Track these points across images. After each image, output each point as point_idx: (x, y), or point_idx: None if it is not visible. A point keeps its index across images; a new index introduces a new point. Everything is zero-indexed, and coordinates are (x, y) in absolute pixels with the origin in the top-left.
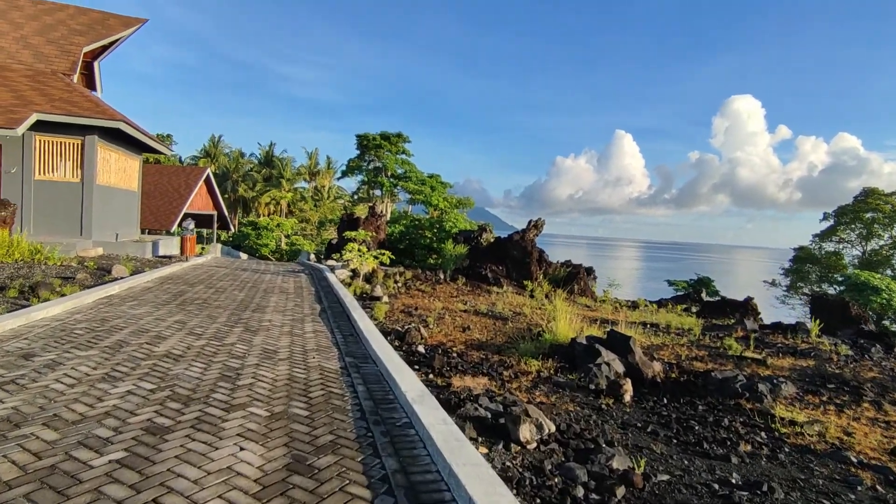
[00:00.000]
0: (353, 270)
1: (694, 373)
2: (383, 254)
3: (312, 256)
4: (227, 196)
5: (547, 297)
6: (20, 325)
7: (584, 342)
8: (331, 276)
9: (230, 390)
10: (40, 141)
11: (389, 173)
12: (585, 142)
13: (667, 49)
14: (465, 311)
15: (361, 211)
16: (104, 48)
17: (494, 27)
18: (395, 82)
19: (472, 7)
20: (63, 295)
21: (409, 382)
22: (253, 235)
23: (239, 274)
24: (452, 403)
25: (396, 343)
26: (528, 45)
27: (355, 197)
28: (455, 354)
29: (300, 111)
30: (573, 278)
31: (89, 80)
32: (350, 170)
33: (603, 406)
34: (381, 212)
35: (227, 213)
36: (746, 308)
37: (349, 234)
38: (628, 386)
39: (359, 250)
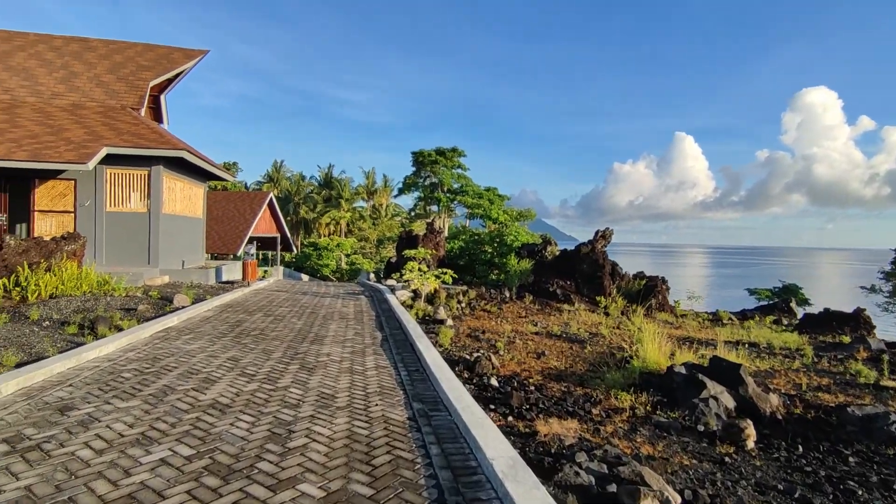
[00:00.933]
0: (415, 291)
1: (823, 408)
2: (445, 273)
3: (372, 276)
4: (289, 218)
5: (623, 313)
6: (69, 369)
7: (684, 371)
8: (391, 298)
9: (279, 456)
10: (110, 174)
11: (446, 188)
12: (644, 147)
13: (725, 46)
14: (536, 333)
15: (419, 228)
16: (169, 81)
17: (544, 37)
18: (447, 99)
19: (520, 19)
20: (121, 329)
21: (493, 443)
22: (314, 256)
23: (299, 299)
24: (546, 465)
25: (466, 374)
26: (579, 51)
27: (412, 214)
28: (532, 387)
29: (356, 133)
30: (650, 292)
31: (156, 113)
32: (406, 187)
33: (724, 457)
34: (440, 228)
35: (289, 235)
36: (858, 321)
37: (408, 252)
38: (750, 430)
39: (419, 270)
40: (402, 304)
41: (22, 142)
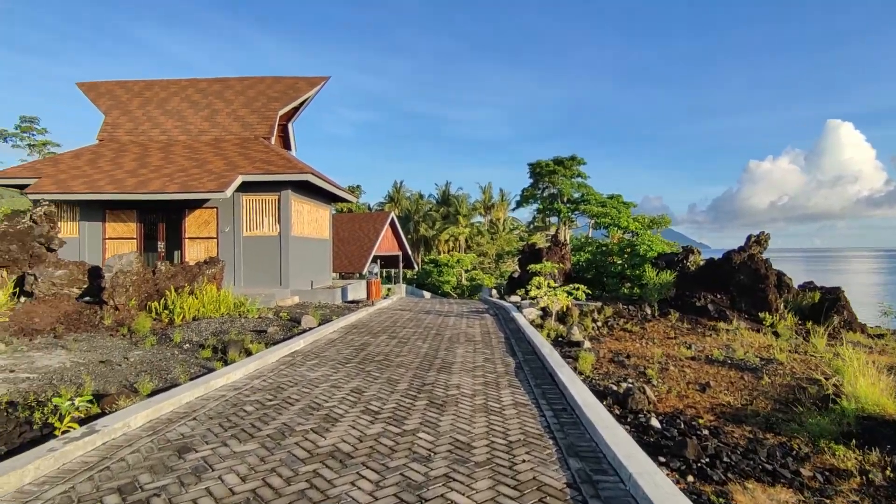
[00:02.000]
0: (543, 309)
1: None
2: (577, 289)
3: (494, 292)
4: (409, 236)
5: (797, 333)
6: (197, 398)
7: None
8: (519, 318)
9: None
10: (246, 200)
11: (565, 199)
12: (786, 140)
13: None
14: (692, 358)
15: (538, 240)
16: (295, 109)
17: (660, 32)
18: (562, 108)
19: (631, 18)
20: (250, 354)
21: None
22: (434, 273)
23: (422, 318)
24: None
25: (617, 410)
26: (700, 44)
27: (531, 226)
28: (706, 431)
29: (472, 150)
30: (832, 306)
31: (285, 142)
32: (524, 199)
33: None
34: (564, 240)
35: (410, 253)
36: None
37: (533, 267)
38: None
39: (548, 285)
40: (531, 323)
41: (174, 176)
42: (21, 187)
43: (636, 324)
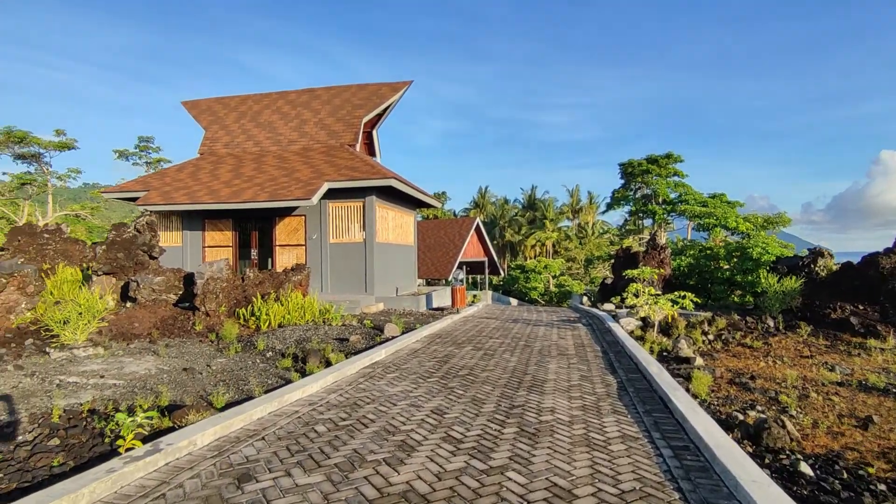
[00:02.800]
0: (643, 319)
1: None
2: (684, 297)
3: (585, 300)
4: (495, 242)
5: None
6: (269, 413)
7: None
8: (615, 328)
9: None
10: (332, 207)
11: (661, 199)
12: None
13: None
14: (839, 383)
15: (630, 244)
16: (379, 116)
17: (754, 19)
18: (653, 106)
19: (729, 4)
20: (329, 364)
21: None
22: (521, 279)
23: (510, 327)
24: None
25: (749, 448)
26: (812, 27)
27: (623, 230)
28: (882, 486)
29: (558, 153)
30: None
31: (370, 149)
32: (615, 201)
33: None
34: (663, 243)
35: (496, 259)
36: None
37: (630, 272)
38: None
39: (648, 293)
40: (630, 335)
41: (265, 185)
42: (133, 200)
43: (757, 338)
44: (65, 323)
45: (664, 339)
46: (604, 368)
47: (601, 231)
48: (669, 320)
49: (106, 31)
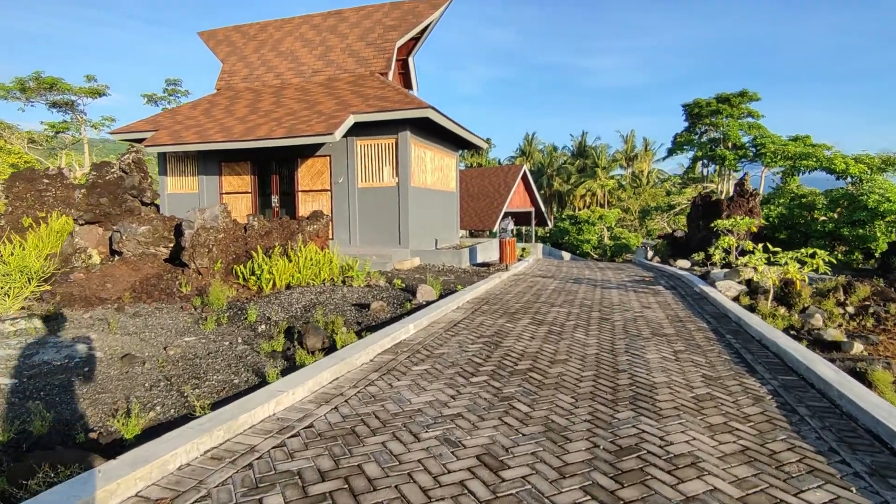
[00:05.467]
0: (748, 282)
1: None
2: (814, 255)
3: (651, 254)
4: (542, 192)
5: None
6: (199, 457)
7: None
8: (713, 294)
9: None
10: (361, 145)
11: (731, 143)
12: None
13: None
14: None
15: (691, 194)
16: (416, 40)
17: None
18: (714, 48)
19: None
20: (332, 349)
21: None
22: (573, 231)
23: (573, 290)
24: None
25: None
26: None
27: (685, 177)
28: None
29: (607, 99)
30: None
31: (406, 79)
32: (677, 146)
33: None
34: (753, 189)
35: (543, 209)
36: None
37: (721, 223)
38: None
39: (759, 250)
40: (737, 303)
41: (282, 120)
42: (142, 141)
43: None
44: None
45: (783, 311)
46: (731, 362)
47: (657, 180)
48: (784, 285)
49: None
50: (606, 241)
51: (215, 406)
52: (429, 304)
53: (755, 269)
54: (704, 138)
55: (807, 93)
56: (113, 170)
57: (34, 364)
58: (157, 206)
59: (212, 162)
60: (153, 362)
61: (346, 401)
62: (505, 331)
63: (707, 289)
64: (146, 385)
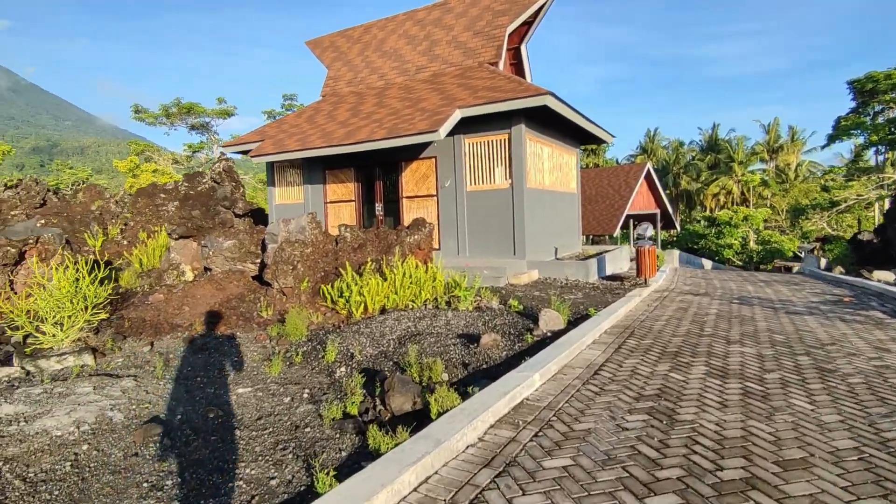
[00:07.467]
0: None
1: None
2: None
3: (824, 262)
4: (667, 192)
5: None
6: None
7: None
8: None
9: None
10: (469, 144)
11: None
12: None
13: None
14: None
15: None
16: (528, 25)
17: None
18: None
19: None
20: (420, 419)
21: None
22: (711, 234)
23: (744, 315)
24: None
25: None
26: None
27: (853, 167)
28: None
29: (731, 90)
30: None
31: (518, 70)
32: (841, 131)
33: None
34: None
35: (670, 210)
36: None
37: None
38: None
39: None
40: None
41: (384, 121)
42: (249, 152)
43: None
44: (36, 318)
45: None
46: None
47: (808, 173)
48: None
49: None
50: (752, 245)
51: None
52: (555, 335)
53: None
54: (881, 119)
55: None
56: (204, 180)
57: (28, 435)
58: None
59: (316, 170)
60: (178, 436)
61: None
62: (674, 387)
63: None
64: (145, 485)
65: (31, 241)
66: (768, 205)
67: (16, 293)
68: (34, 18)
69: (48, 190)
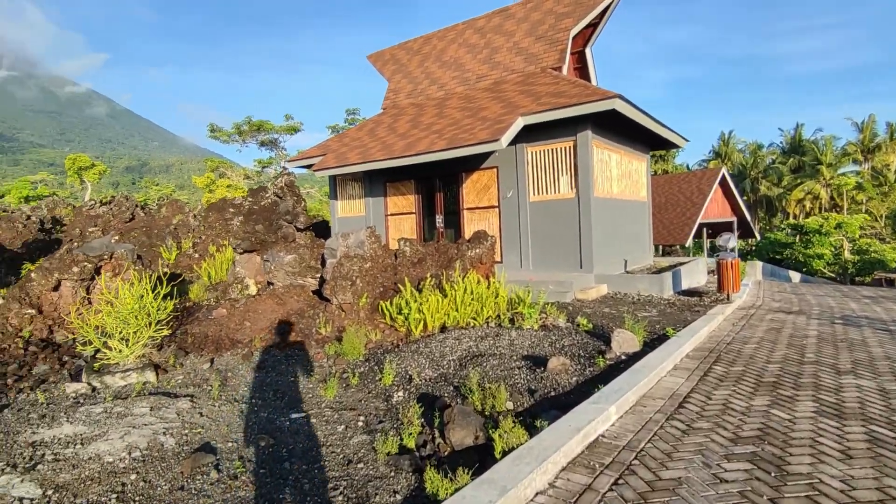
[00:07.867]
0: None
1: None
2: None
3: None
4: (744, 198)
5: None
6: None
7: None
8: None
9: None
10: (532, 152)
11: None
12: None
13: None
14: None
15: None
16: (593, 27)
17: None
18: None
19: None
20: (483, 454)
21: None
22: (797, 243)
23: (852, 338)
24: None
25: None
26: None
27: None
28: None
29: (808, 88)
30: None
31: (583, 74)
32: None
33: None
34: None
35: (748, 218)
36: None
37: None
38: None
39: None
40: None
41: (444, 132)
42: (312, 167)
43: None
44: (104, 334)
45: None
46: None
47: None
48: None
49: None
50: (846, 255)
51: None
52: (630, 358)
53: None
54: None
55: None
56: (267, 195)
57: (82, 460)
58: (329, 229)
59: (377, 182)
60: (226, 468)
61: None
62: (778, 428)
63: None
64: None
65: (105, 256)
66: (864, 210)
67: (92, 307)
68: (129, 49)
69: (136, 205)
